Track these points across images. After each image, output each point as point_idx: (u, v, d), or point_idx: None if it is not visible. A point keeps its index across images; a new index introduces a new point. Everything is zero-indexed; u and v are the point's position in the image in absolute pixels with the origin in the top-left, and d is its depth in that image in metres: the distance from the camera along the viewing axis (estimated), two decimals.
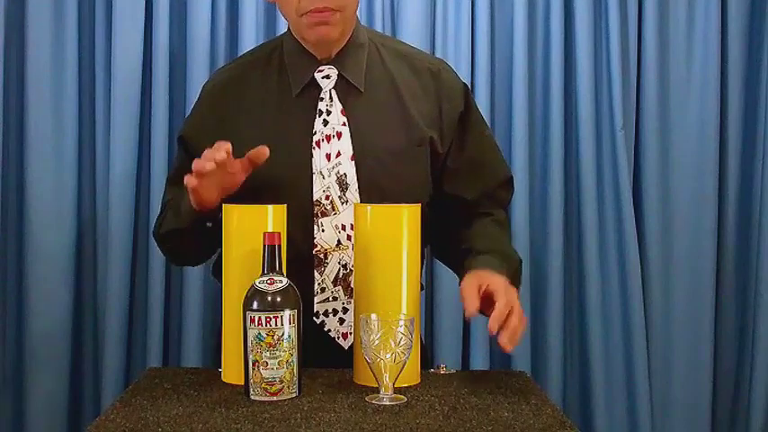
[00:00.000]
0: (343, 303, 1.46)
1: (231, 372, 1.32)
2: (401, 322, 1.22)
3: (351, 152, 1.46)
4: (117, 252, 2.21)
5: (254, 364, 1.22)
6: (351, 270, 1.44)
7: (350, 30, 1.50)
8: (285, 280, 1.23)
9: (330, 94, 1.48)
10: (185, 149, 1.55)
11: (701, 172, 2.35)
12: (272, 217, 1.31)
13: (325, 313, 1.46)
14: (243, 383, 1.24)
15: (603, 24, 2.33)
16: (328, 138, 1.46)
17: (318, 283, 1.45)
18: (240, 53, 2.21)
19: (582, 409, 2.36)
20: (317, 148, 1.46)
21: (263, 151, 1.36)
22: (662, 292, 2.37)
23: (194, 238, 1.47)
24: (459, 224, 1.57)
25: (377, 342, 1.21)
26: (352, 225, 1.43)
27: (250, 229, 1.29)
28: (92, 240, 2.27)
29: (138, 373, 2.06)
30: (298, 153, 1.46)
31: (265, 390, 1.22)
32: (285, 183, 1.42)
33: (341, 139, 1.46)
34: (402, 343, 1.21)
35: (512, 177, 1.63)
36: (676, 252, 2.36)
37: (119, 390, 2.14)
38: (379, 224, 1.33)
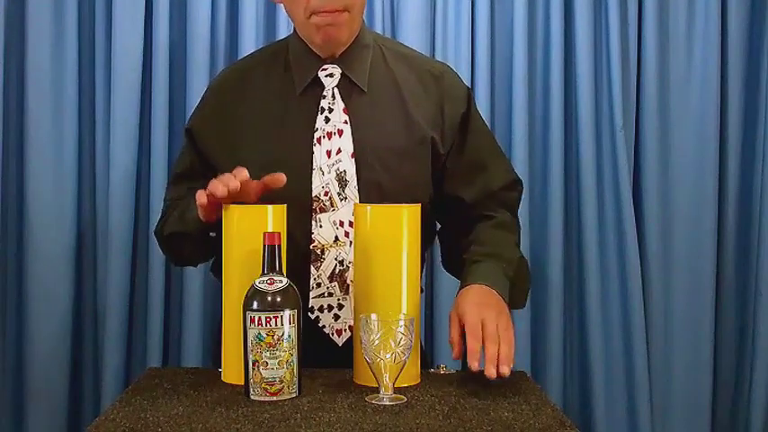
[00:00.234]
0: (339, 300, 1.46)
1: (231, 372, 1.32)
2: (401, 322, 1.22)
3: (351, 149, 1.47)
4: (117, 252, 2.21)
5: (254, 364, 1.22)
6: (347, 266, 1.45)
7: (356, 30, 1.51)
8: (285, 280, 1.23)
9: (333, 92, 1.49)
10: (192, 142, 1.58)
11: (701, 172, 2.35)
12: (272, 217, 1.31)
13: (320, 309, 1.46)
14: (243, 383, 1.24)
15: (603, 24, 2.33)
16: (329, 135, 1.47)
17: (314, 279, 1.46)
18: (240, 52, 2.23)
19: (582, 409, 2.36)
20: (317, 144, 1.47)
21: (280, 178, 1.36)
22: (662, 292, 2.37)
23: (196, 243, 1.49)
24: (461, 231, 1.57)
25: (377, 342, 1.21)
26: (350, 222, 1.44)
27: (250, 229, 1.29)
28: (92, 240, 2.27)
29: (138, 373, 2.06)
30: (298, 149, 1.47)
31: (265, 390, 1.22)
32: (285, 177, 1.43)
33: (342, 136, 1.47)
34: (402, 343, 1.21)
35: (518, 180, 1.62)
36: (676, 252, 2.36)
37: (119, 390, 2.14)
38: (379, 224, 1.32)
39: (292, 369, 1.22)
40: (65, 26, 2.22)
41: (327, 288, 1.46)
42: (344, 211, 1.45)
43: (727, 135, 2.37)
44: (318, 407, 1.20)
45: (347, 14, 1.43)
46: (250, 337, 1.21)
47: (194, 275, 2.20)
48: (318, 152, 1.47)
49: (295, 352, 1.22)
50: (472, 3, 2.29)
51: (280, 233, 1.25)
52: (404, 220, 1.32)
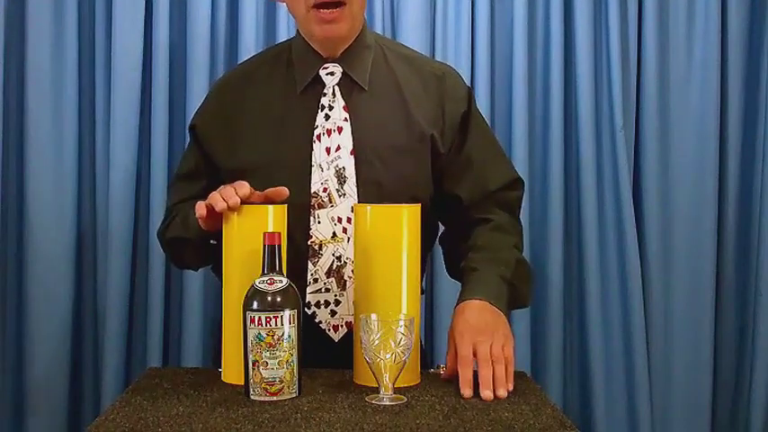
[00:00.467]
0: (336, 295, 1.46)
1: (231, 372, 1.32)
2: (401, 322, 1.22)
3: (351, 147, 1.48)
4: (117, 252, 2.21)
5: (254, 364, 1.22)
6: (345, 262, 1.46)
7: (357, 27, 1.52)
8: (285, 280, 1.23)
9: (333, 90, 1.50)
10: (196, 140, 1.59)
11: (701, 172, 2.35)
12: (273, 217, 1.31)
13: (317, 305, 1.46)
14: (243, 383, 1.24)
15: (603, 24, 2.33)
16: (329, 132, 1.48)
17: (311, 274, 1.46)
18: (240, 52, 2.23)
19: (582, 409, 2.36)
20: (317, 141, 1.48)
21: (283, 192, 1.35)
22: (662, 292, 2.37)
23: (197, 249, 1.50)
24: (460, 236, 1.57)
25: (377, 342, 1.20)
26: (348, 218, 1.45)
27: (250, 229, 1.29)
28: (92, 240, 2.27)
29: (138, 373, 2.06)
30: (298, 146, 1.48)
31: (265, 390, 1.22)
32: (284, 174, 1.43)
33: (341, 133, 1.48)
34: (402, 343, 1.21)
35: (518, 179, 1.62)
36: (676, 252, 2.36)
37: (119, 390, 2.14)
38: (379, 224, 1.32)
39: (292, 369, 1.22)
40: (65, 26, 2.22)
41: (324, 284, 1.46)
42: (343, 208, 1.46)
43: (727, 135, 2.37)
44: (318, 407, 1.20)
45: (347, 8, 1.44)
46: (250, 337, 1.21)
47: (194, 275, 2.20)
48: (318, 149, 1.48)
49: (295, 352, 1.22)
50: (472, 3, 2.29)
51: (280, 233, 1.25)
52: (404, 220, 1.32)
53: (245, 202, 1.31)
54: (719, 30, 2.34)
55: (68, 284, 2.23)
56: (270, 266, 1.23)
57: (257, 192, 1.34)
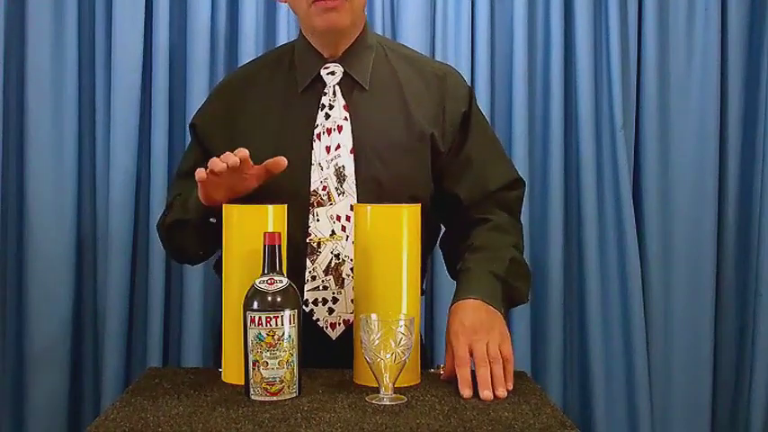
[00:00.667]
0: (334, 293, 1.47)
1: (231, 372, 1.33)
2: (401, 322, 1.22)
3: (350, 145, 1.48)
4: (117, 252, 2.21)
5: (254, 364, 1.22)
6: (343, 260, 1.46)
7: (359, 23, 1.53)
8: (285, 280, 1.23)
9: (334, 90, 1.51)
10: (196, 138, 1.60)
11: (701, 172, 2.35)
12: (272, 217, 1.31)
13: (315, 302, 1.47)
14: (243, 383, 1.24)
15: (603, 24, 2.33)
16: (329, 131, 1.49)
17: (309, 272, 1.46)
18: (240, 52, 2.23)
19: (582, 409, 2.36)
20: (317, 140, 1.49)
21: (281, 162, 1.38)
22: (662, 292, 2.37)
23: (197, 231, 1.49)
24: (459, 236, 1.57)
25: (377, 342, 1.21)
26: (347, 216, 1.46)
27: (250, 229, 1.29)
28: (92, 240, 2.27)
29: (138, 373, 2.06)
30: (298, 145, 1.49)
31: (265, 390, 1.22)
32: (284, 172, 1.44)
33: (341, 132, 1.49)
34: (402, 343, 1.21)
35: (519, 179, 1.62)
36: (676, 252, 2.36)
37: (119, 390, 2.14)
38: (379, 224, 1.33)
39: (292, 369, 1.23)
40: (65, 26, 2.22)
41: (322, 281, 1.47)
42: (342, 206, 1.47)
43: (727, 135, 2.37)
44: (318, 407, 1.20)
45: (347, 2, 1.45)
46: (250, 337, 1.21)
47: (194, 275, 2.20)
48: (318, 148, 1.48)
49: (295, 352, 1.23)
50: (472, 2, 2.29)
51: (280, 233, 1.25)
52: (404, 220, 1.32)
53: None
54: (719, 30, 2.34)
55: (68, 284, 2.23)
56: (270, 266, 1.23)
57: (257, 165, 1.36)
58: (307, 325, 1.43)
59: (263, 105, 1.54)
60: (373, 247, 1.32)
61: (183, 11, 2.26)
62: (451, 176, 1.56)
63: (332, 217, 1.47)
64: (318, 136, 1.49)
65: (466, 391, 1.26)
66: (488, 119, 2.20)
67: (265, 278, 1.22)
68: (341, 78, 1.51)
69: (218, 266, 1.53)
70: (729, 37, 2.34)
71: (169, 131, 2.24)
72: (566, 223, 2.34)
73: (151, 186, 2.22)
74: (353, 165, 1.48)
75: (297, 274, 1.41)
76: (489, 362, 1.29)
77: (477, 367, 1.29)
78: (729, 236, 2.39)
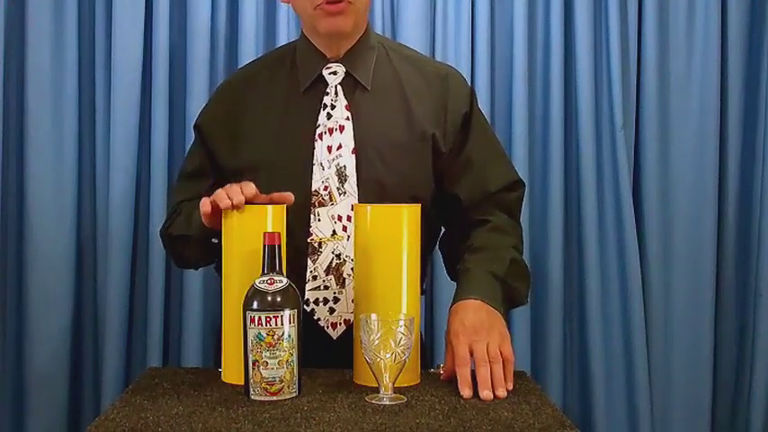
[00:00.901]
0: (335, 293, 1.47)
1: (231, 372, 1.33)
2: (401, 322, 1.22)
3: (352, 145, 1.49)
4: (117, 252, 2.21)
5: (254, 364, 1.22)
6: (344, 260, 1.47)
7: (361, 25, 1.53)
8: (285, 280, 1.23)
9: (336, 90, 1.51)
10: (201, 139, 1.60)
11: (701, 172, 2.35)
12: (272, 217, 1.31)
13: (316, 302, 1.47)
14: (243, 383, 1.24)
15: (603, 24, 2.33)
16: (330, 131, 1.49)
17: (311, 272, 1.47)
18: (240, 52, 2.23)
19: (582, 409, 2.36)
20: (318, 140, 1.49)
21: (288, 198, 1.36)
22: (662, 292, 2.37)
23: (200, 246, 1.50)
24: (459, 237, 1.57)
25: (377, 342, 1.21)
26: (348, 216, 1.46)
27: (250, 229, 1.29)
28: (92, 240, 2.27)
29: (138, 373, 2.06)
30: (299, 144, 1.49)
31: (265, 389, 1.22)
32: (286, 172, 1.44)
33: (343, 132, 1.49)
34: (402, 343, 1.21)
35: (519, 180, 1.62)
36: (676, 252, 2.36)
37: (119, 390, 2.14)
38: (380, 224, 1.33)
39: (292, 369, 1.23)
40: (65, 26, 2.22)
41: (323, 281, 1.47)
42: (343, 206, 1.47)
43: (727, 135, 2.37)
44: (318, 407, 1.20)
45: (352, 5, 1.45)
46: (250, 337, 1.21)
47: (194, 275, 2.20)
48: (319, 147, 1.48)
49: (295, 352, 1.23)
50: (472, 2, 2.29)
51: (280, 233, 1.25)
52: (404, 220, 1.32)
53: (249, 202, 1.31)
54: (719, 30, 2.34)
55: (68, 284, 2.23)
56: (270, 266, 1.23)
57: (262, 195, 1.34)
58: (307, 325, 1.43)
59: (264, 105, 1.54)
60: (373, 247, 1.32)
61: (182, 11, 2.26)
62: (452, 177, 1.56)
63: (333, 217, 1.47)
64: (320, 136, 1.49)
65: (466, 391, 1.26)
66: (488, 119, 2.20)
67: (265, 278, 1.23)
68: (343, 78, 1.52)
69: (218, 266, 1.53)
70: (729, 37, 2.34)
71: (169, 131, 2.24)
72: (566, 223, 2.34)
73: (151, 186, 2.22)
74: (355, 165, 1.48)
75: (298, 273, 1.41)
76: (489, 362, 1.29)
77: (477, 367, 1.29)
78: (729, 236, 2.39)
